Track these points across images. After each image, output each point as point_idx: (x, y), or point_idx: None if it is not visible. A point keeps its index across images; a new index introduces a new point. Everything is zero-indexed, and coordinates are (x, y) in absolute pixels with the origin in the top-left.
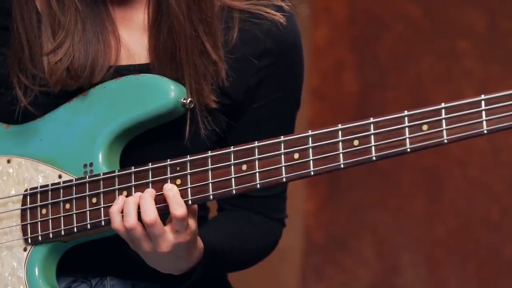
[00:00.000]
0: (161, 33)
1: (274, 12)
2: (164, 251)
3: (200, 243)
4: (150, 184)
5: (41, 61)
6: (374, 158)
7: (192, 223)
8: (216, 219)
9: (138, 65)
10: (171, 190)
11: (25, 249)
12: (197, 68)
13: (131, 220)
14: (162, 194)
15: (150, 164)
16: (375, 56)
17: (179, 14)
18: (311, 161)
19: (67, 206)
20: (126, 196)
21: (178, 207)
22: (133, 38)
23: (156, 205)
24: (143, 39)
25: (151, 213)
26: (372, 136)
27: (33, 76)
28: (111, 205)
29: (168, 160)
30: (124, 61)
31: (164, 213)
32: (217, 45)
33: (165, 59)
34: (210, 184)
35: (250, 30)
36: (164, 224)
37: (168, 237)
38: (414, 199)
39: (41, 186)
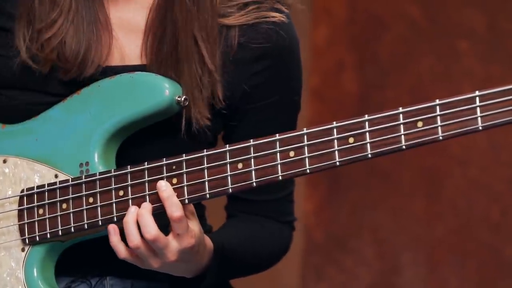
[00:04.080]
0: (159, 36)
1: (271, 16)
2: (172, 260)
3: (209, 244)
4: (147, 184)
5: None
6: (369, 155)
7: (194, 225)
8: (227, 224)
9: (131, 66)
10: (165, 191)
11: (23, 250)
12: (193, 75)
13: (135, 240)
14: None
15: (146, 163)
16: (375, 56)
17: (180, 19)
18: (307, 158)
19: (64, 206)
20: (123, 196)
21: (174, 209)
22: (128, 39)
23: (152, 204)
24: (138, 41)
25: (151, 229)
26: (367, 133)
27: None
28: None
29: (164, 159)
30: (116, 61)
31: (163, 212)
32: (214, 54)
33: (162, 62)
34: (206, 182)
35: (247, 35)
36: (166, 235)
37: (172, 245)
38: (414, 199)
39: (38, 187)
